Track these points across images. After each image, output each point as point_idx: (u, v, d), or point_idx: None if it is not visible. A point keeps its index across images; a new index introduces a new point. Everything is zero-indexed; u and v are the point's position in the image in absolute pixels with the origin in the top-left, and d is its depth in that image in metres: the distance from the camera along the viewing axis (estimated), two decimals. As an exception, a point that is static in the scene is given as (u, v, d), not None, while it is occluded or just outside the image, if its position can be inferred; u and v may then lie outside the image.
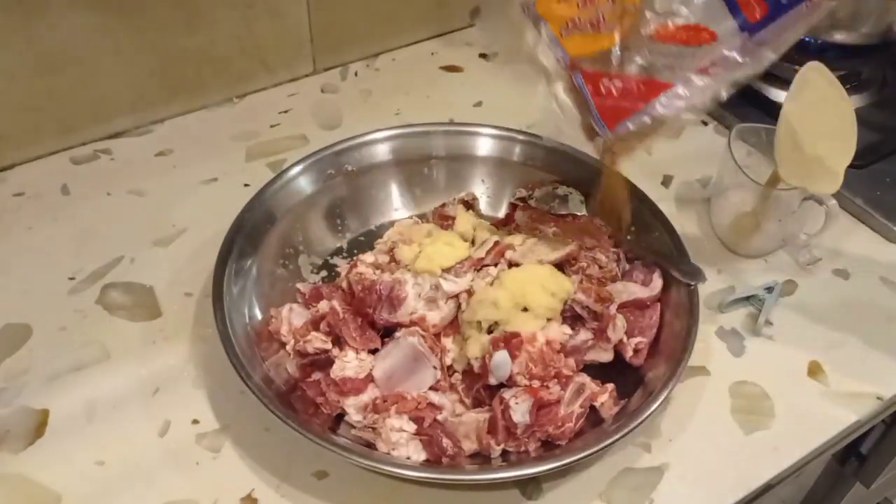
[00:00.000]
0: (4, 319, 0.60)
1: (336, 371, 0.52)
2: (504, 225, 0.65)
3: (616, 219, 0.60)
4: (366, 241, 0.66)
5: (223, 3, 0.75)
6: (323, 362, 0.54)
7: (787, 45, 0.46)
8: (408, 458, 0.49)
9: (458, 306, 0.56)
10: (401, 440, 0.49)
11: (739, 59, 0.46)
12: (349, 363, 0.53)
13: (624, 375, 0.55)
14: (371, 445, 0.50)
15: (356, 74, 0.87)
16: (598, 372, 0.55)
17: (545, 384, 0.52)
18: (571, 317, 0.57)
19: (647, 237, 0.63)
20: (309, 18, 0.81)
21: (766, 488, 0.54)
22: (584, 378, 0.53)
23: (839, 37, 0.78)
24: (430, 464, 0.49)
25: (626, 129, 0.49)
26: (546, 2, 0.48)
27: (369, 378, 0.53)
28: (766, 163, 0.64)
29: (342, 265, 0.63)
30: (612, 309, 0.56)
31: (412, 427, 0.50)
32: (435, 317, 0.55)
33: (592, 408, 0.53)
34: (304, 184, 0.64)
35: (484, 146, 0.69)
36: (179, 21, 0.73)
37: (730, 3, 0.44)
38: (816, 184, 0.60)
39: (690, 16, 0.46)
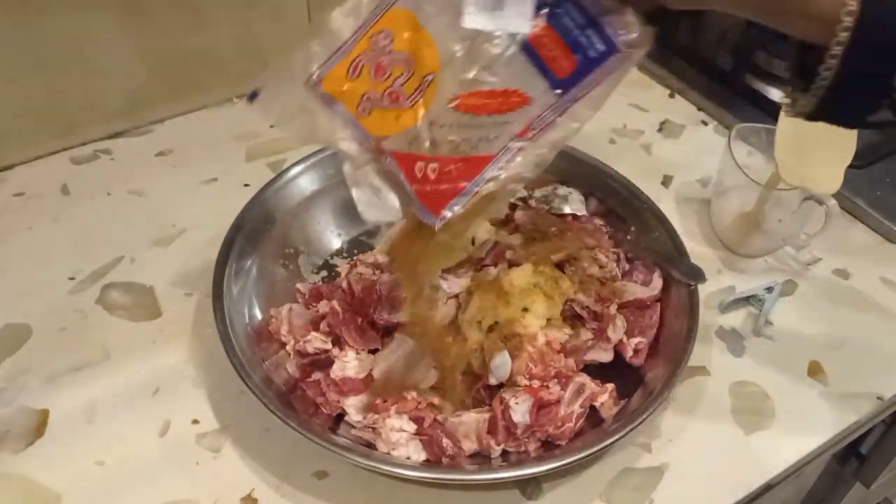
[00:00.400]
0: (4, 319, 0.60)
1: (336, 371, 0.52)
2: (504, 225, 0.65)
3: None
4: (366, 241, 0.66)
5: (223, 3, 0.74)
6: (323, 362, 0.54)
7: (600, 103, 0.43)
8: (408, 458, 0.49)
9: (458, 306, 0.56)
10: (401, 440, 0.49)
11: (555, 118, 0.43)
12: (349, 363, 0.53)
13: (624, 375, 0.55)
14: (371, 445, 0.50)
15: (356, 74, 0.86)
16: (598, 372, 0.55)
17: (545, 384, 0.52)
18: (571, 317, 0.57)
19: (647, 237, 0.63)
20: (309, 18, 0.81)
21: (767, 488, 0.53)
22: (585, 378, 0.53)
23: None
24: (429, 464, 0.49)
25: (452, 213, 0.44)
26: (334, 80, 0.44)
27: (369, 378, 0.53)
28: (766, 163, 0.64)
29: (342, 265, 0.63)
30: (613, 309, 0.56)
31: (412, 427, 0.50)
32: (435, 317, 0.54)
33: (592, 408, 0.53)
34: (305, 184, 0.64)
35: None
36: (180, 21, 0.73)
37: (537, 62, 0.41)
38: (816, 184, 0.60)
39: (497, 82, 0.42)
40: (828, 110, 0.40)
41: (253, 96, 0.44)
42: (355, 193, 0.45)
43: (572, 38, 0.41)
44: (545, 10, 0.40)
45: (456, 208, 0.44)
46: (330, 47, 0.44)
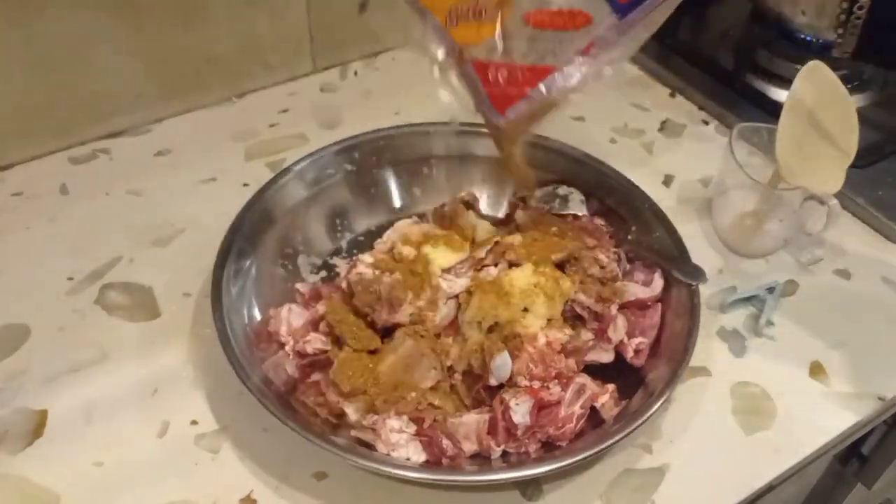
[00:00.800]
0: (2, 320, 0.60)
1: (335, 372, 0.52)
2: (504, 225, 0.65)
3: (521, 181, 0.64)
4: (366, 241, 0.65)
5: (222, 1, 0.74)
6: (322, 363, 0.54)
7: (657, 24, 0.49)
8: (407, 459, 0.49)
9: (458, 306, 0.56)
10: (400, 441, 0.49)
11: (614, 38, 0.49)
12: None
13: (625, 376, 0.55)
14: (370, 446, 0.50)
15: (356, 74, 0.86)
16: (599, 372, 0.55)
17: (546, 385, 0.52)
18: (572, 317, 0.57)
19: (647, 237, 0.62)
20: (308, 17, 0.81)
21: (768, 489, 0.53)
22: (585, 379, 0.53)
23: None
24: (429, 465, 0.49)
25: (516, 113, 0.52)
26: None
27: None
28: (767, 162, 0.64)
29: (342, 265, 0.63)
30: (613, 309, 0.56)
31: (412, 428, 0.50)
32: (435, 317, 0.54)
33: (593, 408, 0.53)
34: (304, 184, 0.64)
35: (484, 146, 0.69)
36: (178, 20, 0.73)
37: None
38: (818, 183, 0.60)
39: (565, 3, 0.49)
40: (867, 49, 0.42)
41: (363, 6, 0.55)
42: (441, 94, 0.54)
43: None
44: None
45: (519, 109, 0.52)
46: None
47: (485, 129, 0.69)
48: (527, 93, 0.51)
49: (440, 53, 0.53)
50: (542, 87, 0.51)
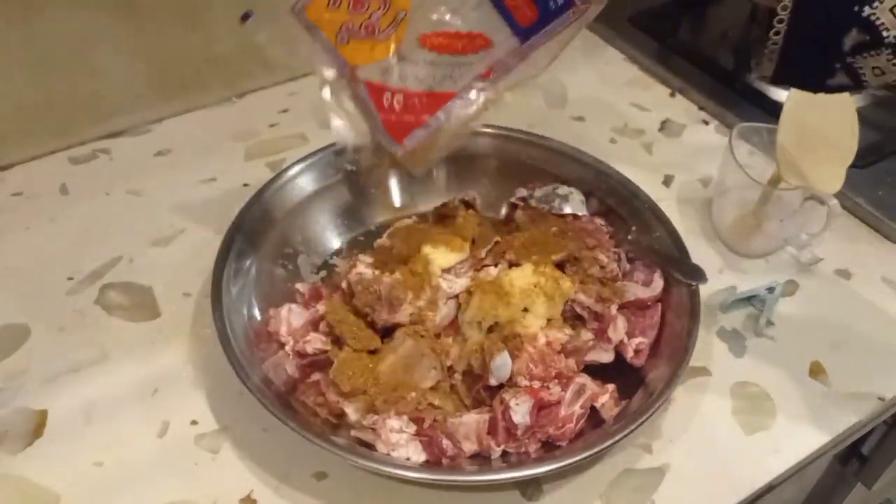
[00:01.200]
0: (3, 320, 0.60)
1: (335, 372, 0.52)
2: (504, 225, 0.65)
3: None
4: (366, 241, 0.65)
5: (222, 1, 0.74)
6: (322, 363, 0.54)
7: (558, 49, 0.47)
8: (407, 459, 0.49)
9: (458, 306, 0.56)
10: (400, 441, 0.49)
11: (515, 62, 0.47)
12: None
13: (625, 376, 0.55)
14: (370, 446, 0.50)
15: (356, 74, 0.86)
16: (599, 372, 0.55)
17: (546, 385, 0.52)
18: (572, 317, 0.57)
19: (648, 237, 0.62)
20: (308, 17, 0.81)
21: (768, 489, 0.53)
22: (585, 379, 0.53)
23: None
24: (429, 465, 0.49)
25: (413, 143, 0.49)
26: (317, 8, 0.48)
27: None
28: (767, 162, 0.64)
29: (342, 265, 0.63)
30: (613, 309, 0.56)
31: (412, 428, 0.50)
32: (435, 317, 0.54)
33: (593, 408, 0.53)
34: (304, 183, 0.64)
35: (484, 146, 0.69)
36: (178, 20, 0.73)
37: (502, 9, 0.46)
38: (818, 183, 0.60)
39: (463, 25, 0.46)
40: (785, 73, 0.42)
41: (245, 17, 0.50)
42: (332, 118, 0.50)
43: None
44: None
45: (415, 139, 0.49)
46: None
47: (485, 129, 0.69)
48: (425, 120, 0.48)
49: (330, 73, 0.49)
50: (440, 114, 0.48)
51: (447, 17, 0.46)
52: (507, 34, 0.46)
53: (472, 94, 0.48)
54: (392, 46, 0.47)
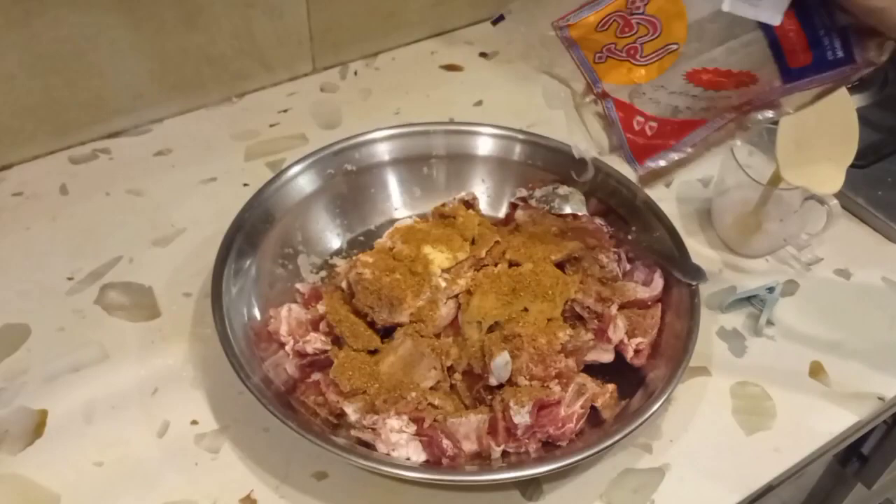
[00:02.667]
0: (3, 319, 0.60)
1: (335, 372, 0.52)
2: (504, 225, 0.65)
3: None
4: (366, 241, 0.65)
5: (222, 1, 0.74)
6: (322, 363, 0.54)
7: (814, 98, 0.46)
8: (407, 458, 0.49)
9: (458, 306, 0.56)
10: (400, 441, 0.49)
11: (771, 98, 0.46)
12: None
13: (625, 376, 0.55)
14: (370, 446, 0.50)
15: (356, 73, 0.86)
16: (599, 372, 0.55)
17: (546, 385, 0.52)
18: (572, 317, 0.57)
19: (648, 237, 0.62)
20: (308, 17, 0.81)
21: (768, 489, 0.53)
22: (585, 378, 0.53)
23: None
24: (429, 465, 0.49)
25: (655, 165, 0.50)
26: (582, 28, 0.46)
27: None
28: (767, 162, 0.64)
29: (342, 265, 0.63)
30: (613, 309, 0.56)
31: (412, 428, 0.50)
32: (435, 317, 0.54)
33: (593, 408, 0.53)
34: (304, 183, 0.64)
35: (484, 146, 0.69)
36: (179, 20, 0.73)
37: (775, 49, 0.44)
38: (818, 183, 0.60)
39: (734, 62, 0.45)
40: None
41: (498, 20, 0.49)
42: (571, 128, 0.51)
43: (816, 36, 0.42)
44: (801, 6, 0.42)
45: (661, 162, 0.49)
46: None
47: (484, 129, 0.69)
48: (670, 145, 0.49)
49: (579, 87, 0.49)
50: (686, 141, 0.48)
51: (718, 52, 0.44)
52: (773, 73, 0.44)
53: (719, 122, 0.48)
54: (654, 73, 0.46)
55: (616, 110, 0.49)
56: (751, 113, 0.47)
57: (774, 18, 0.42)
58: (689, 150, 0.49)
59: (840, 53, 0.42)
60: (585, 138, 0.51)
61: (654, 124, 0.48)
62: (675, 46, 0.45)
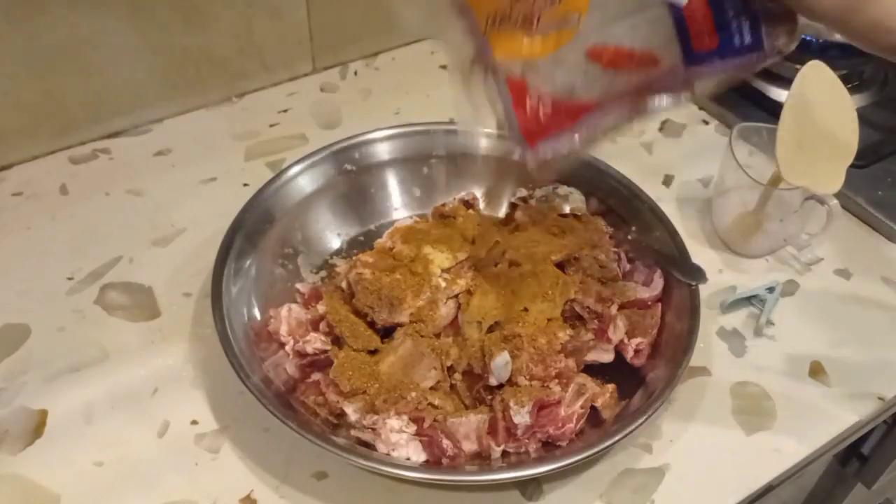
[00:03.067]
0: (3, 320, 0.60)
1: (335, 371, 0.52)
2: (504, 225, 0.65)
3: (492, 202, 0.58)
4: (366, 241, 0.65)
5: (222, 1, 0.74)
6: (322, 363, 0.54)
7: (714, 85, 0.42)
8: (407, 458, 0.49)
9: (458, 306, 0.56)
10: (400, 441, 0.49)
11: (672, 84, 0.43)
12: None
13: (625, 376, 0.55)
14: (370, 446, 0.50)
15: (356, 74, 0.86)
16: (599, 372, 0.55)
17: (546, 385, 0.52)
18: (572, 317, 0.57)
19: (648, 237, 0.62)
20: (308, 17, 0.81)
21: (768, 489, 0.53)
22: (585, 378, 0.53)
23: (840, 36, 0.78)
24: (429, 465, 0.49)
25: (549, 152, 0.45)
26: None
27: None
28: (767, 162, 0.64)
29: (342, 265, 0.63)
30: (613, 309, 0.56)
31: (412, 428, 0.50)
32: (435, 317, 0.54)
33: (593, 408, 0.53)
34: (304, 183, 0.64)
35: (484, 146, 0.69)
36: (178, 20, 0.73)
37: (681, 29, 0.41)
38: (818, 183, 0.60)
39: (635, 40, 0.41)
40: None
41: None
42: (459, 101, 0.46)
43: (724, 19, 0.40)
44: None
45: (554, 149, 0.44)
46: None
47: (484, 129, 0.69)
48: (566, 128, 0.44)
49: (467, 58, 0.44)
50: (582, 125, 0.44)
51: (620, 29, 0.41)
52: (675, 55, 0.41)
53: (614, 109, 0.44)
54: (551, 47, 0.42)
55: (506, 85, 0.43)
56: (649, 97, 0.43)
57: None
58: (586, 134, 0.44)
59: (748, 40, 0.40)
60: (471, 114, 0.46)
61: (547, 102, 0.43)
62: (575, 16, 0.41)
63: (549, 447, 0.51)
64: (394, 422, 0.49)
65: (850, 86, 0.71)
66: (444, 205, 0.64)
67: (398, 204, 0.68)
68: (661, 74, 0.42)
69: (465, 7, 0.43)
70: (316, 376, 0.53)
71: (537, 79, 0.43)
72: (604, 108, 0.44)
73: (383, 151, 0.67)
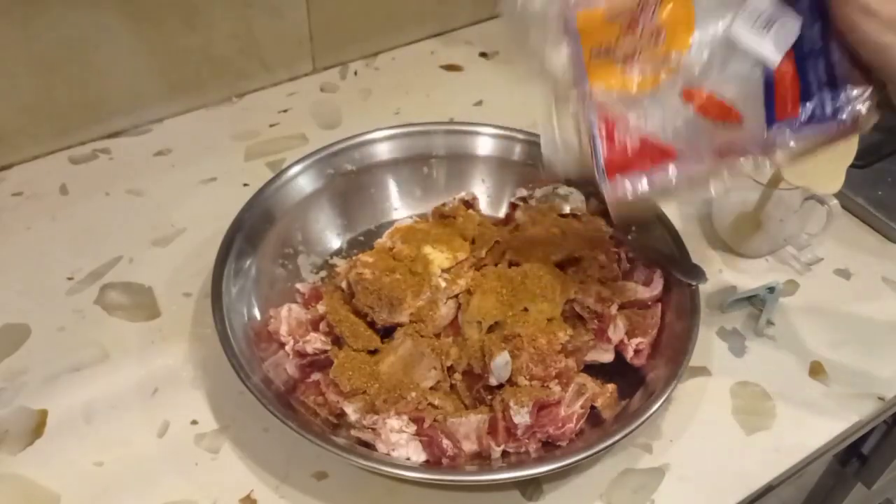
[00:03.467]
0: (3, 319, 0.60)
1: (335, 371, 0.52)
2: (504, 225, 0.65)
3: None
4: (366, 241, 0.65)
5: (222, 2, 0.74)
6: (322, 363, 0.54)
7: (794, 156, 0.43)
8: (407, 458, 0.49)
9: (458, 306, 0.56)
10: (400, 441, 0.49)
11: (751, 153, 0.43)
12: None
13: (625, 376, 0.55)
14: (370, 446, 0.50)
15: (356, 74, 0.86)
16: (599, 372, 0.55)
17: (546, 384, 0.52)
18: (572, 317, 0.57)
19: (648, 237, 0.62)
20: (308, 17, 0.81)
21: (768, 489, 0.53)
22: (585, 378, 0.53)
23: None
24: (429, 465, 0.49)
25: (625, 187, 0.45)
26: (590, 17, 0.43)
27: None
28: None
29: (342, 265, 0.63)
30: (613, 309, 0.56)
31: (412, 428, 0.50)
32: (434, 317, 0.54)
33: (593, 408, 0.53)
34: (304, 183, 0.64)
35: (484, 146, 0.69)
36: (178, 20, 0.73)
37: (768, 94, 0.41)
38: (818, 183, 0.60)
39: (727, 90, 0.42)
40: None
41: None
42: (544, 126, 0.47)
43: (808, 88, 0.41)
44: (801, 53, 0.40)
45: (630, 184, 0.44)
46: None
47: (484, 129, 0.69)
48: (648, 168, 0.44)
49: (564, 83, 0.44)
50: (664, 170, 0.43)
51: (717, 76, 0.41)
52: (759, 118, 0.42)
53: (699, 160, 0.44)
54: (648, 84, 0.42)
55: (597, 115, 0.44)
56: (730, 158, 0.44)
57: (775, 56, 0.40)
58: (662, 180, 0.44)
59: (829, 110, 0.41)
60: (556, 138, 0.47)
61: (636, 139, 0.44)
62: (678, 56, 0.42)
63: (549, 447, 0.51)
64: (394, 422, 0.49)
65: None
66: (444, 205, 0.64)
67: (398, 204, 0.68)
68: (743, 136, 0.43)
69: (576, 35, 0.44)
70: (316, 376, 0.53)
71: (629, 113, 0.43)
72: (686, 158, 0.44)
73: (383, 151, 0.68)
